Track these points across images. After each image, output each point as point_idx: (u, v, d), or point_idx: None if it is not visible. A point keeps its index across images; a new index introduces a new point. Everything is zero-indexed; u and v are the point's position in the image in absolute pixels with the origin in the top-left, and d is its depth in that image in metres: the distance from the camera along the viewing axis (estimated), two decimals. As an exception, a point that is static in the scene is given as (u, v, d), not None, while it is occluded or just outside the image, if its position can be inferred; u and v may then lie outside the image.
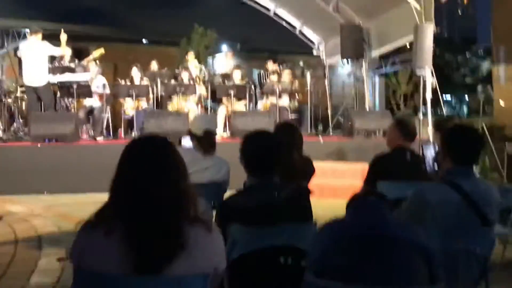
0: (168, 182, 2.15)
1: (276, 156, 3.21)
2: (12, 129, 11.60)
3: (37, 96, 10.78)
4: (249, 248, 2.95)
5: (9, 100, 11.96)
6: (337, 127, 13.01)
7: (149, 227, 2.05)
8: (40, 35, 10.90)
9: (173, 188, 2.16)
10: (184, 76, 12.45)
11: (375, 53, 13.20)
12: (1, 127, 11.38)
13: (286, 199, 3.11)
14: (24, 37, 17.41)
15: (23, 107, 12.02)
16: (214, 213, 4.53)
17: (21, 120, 11.75)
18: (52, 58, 11.26)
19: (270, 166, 3.18)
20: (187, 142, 4.94)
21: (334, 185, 9.14)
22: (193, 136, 4.74)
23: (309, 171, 4.88)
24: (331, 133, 12.37)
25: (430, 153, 4.06)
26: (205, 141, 4.68)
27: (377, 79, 15.63)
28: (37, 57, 10.64)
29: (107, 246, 2.05)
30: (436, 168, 3.53)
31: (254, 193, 3.13)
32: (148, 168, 2.14)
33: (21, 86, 12.07)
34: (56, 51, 10.95)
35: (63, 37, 11.15)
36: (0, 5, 16.65)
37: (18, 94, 11.94)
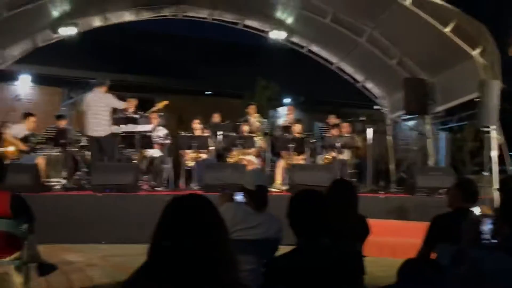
0: (206, 243, 2.09)
1: (324, 217, 3.12)
2: (75, 177, 11.85)
3: (99, 146, 11.01)
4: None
5: (74, 149, 12.25)
6: (399, 184, 12.73)
7: (186, 291, 1.99)
8: (105, 88, 11.18)
9: (211, 249, 2.09)
10: (245, 129, 12.50)
11: (440, 108, 12.96)
12: (65, 175, 11.64)
13: (336, 262, 3.00)
14: (92, 87, 17.97)
15: (87, 157, 12.28)
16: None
17: (84, 169, 12.01)
18: (116, 109, 11.52)
19: (318, 227, 3.09)
20: (240, 197, 4.86)
21: (393, 243, 8.91)
22: (245, 191, 4.67)
23: (364, 231, 4.74)
24: (392, 190, 12.09)
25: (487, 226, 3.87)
26: (257, 197, 4.61)
27: (442, 134, 15.34)
28: (101, 109, 10.93)
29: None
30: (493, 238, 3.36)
31: (302, 255, 3.04)
32: (184, 228, 2.09)
33: (86, 135, 12.38)
34: (119, 104, 11.20)
35: (133, 102, 11.55)
36: (69, 56, 17.20)
37: (83, 143, 12.22)
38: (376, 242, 7.96)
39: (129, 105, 11.81)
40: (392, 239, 9.07)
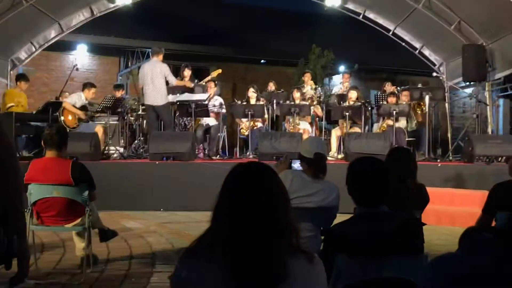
0: (270, 210, 2.09)
1: (384, 184, 3.08)
2: (133, 146, 12.05)
3: (156, 115, 11.12)
4: (355, 279, 2.84)
5: (131, 118, 12.42)
6: (457, 152, 12.49)
7: (250, 257, 2.00)
8: (161, 56, 11.24)
9: (274, 216, 2.10)
10: (296, 96, 12.42)
11: (499, 75, 12.63)
12: (123, 144, 11.84)
13: (395, 230, 2.97)
14: (148, 57, 18.15)
15: (144, 125, 12.44)
16: (321, 238, 4.47)
17: (141, 138, 12.18)
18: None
19: (378, 195, 3.06)
20: (297, 165, 4.85)
21: (451, 212, 8.79)
22: (303, 159, 4.65)
23: (423, 200, 4.68)
24: (450, 158, 11.87)
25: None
26: (315, 165, 4.58)
27: (501, 101, 14.94)
28: (157, 77, 10.98)
29: (207, 274, 2.02)
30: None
31: (361, 223, 3.01)
32: (249, 195, 2.09)
33: (143, 104, 12.54)
34: (172, 79, 11.24)
35: (187, 72, 11.60)
36: (125, 26, 17.40)
37: (140, 112, 12.38)
38: (434, 210, 7.88)
39: (182, 83, 11.82)
40: (450, 208, 8.94)
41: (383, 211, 3.06)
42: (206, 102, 11.57)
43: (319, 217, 4.49)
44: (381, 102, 12.56)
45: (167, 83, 11.18)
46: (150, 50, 17.73)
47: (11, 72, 13.32)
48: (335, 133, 12.04)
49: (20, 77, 12.03)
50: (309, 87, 13.62)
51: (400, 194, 4.25)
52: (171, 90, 11.54)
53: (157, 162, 9.93)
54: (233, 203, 2.10)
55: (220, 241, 2.06)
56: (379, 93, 13.64)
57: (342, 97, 12.90)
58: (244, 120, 12.16)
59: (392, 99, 12.11)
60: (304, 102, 12.30)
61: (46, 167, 5.28)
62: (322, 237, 4.37)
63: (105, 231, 5.95)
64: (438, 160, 11.35)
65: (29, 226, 5.35)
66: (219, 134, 11.99)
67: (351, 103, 12.10)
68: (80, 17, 13.65)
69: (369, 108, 12.67)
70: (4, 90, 12.44)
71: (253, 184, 2.14)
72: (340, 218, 4.43)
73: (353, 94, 12.25)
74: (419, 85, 12.98)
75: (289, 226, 2.14)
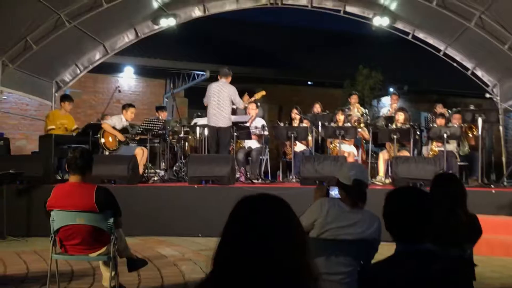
0: (281, 254, 1.74)
1: (427, 218, 2.67)
2: (174, 169, 11.83)
3: (217, 137, 10.88)
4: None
5: (173, 140, 12.23)
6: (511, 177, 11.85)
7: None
8: (229, 78, 11.14)
9: (288, 262, 1.74)
10: (340, 118, 12.03)
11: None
12: (164, 167, 11.63)
13: (440, 273, 2.55)
14: (194, 79, 18.05)
15: (186, 147, 12.23)
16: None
17: (183, 161, 11.96)
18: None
19: (420, 230, 2.65)
20: (335, 192, 4.47)
21: (506, 242, 8.23)
22: (341, 186, 4.27)
23: (476, 232, 4.23)
24: (505, 184, 11.24)
25: None
26: (354, 193, 4.20)
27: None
28: (224, 99, 10.79)
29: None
30: None
31: (401, 264, 2.61)
32: (255, 236, 1.75)
33: (184, 126, 12.34)
34: (239, 102, 11.08)
35: (252, 105, 11.58)
36: (170, 48, 17.36)
37: (182, 134, 12.18)
38: (487, 240, 7.35)
39: (249, 111, 11.60)
40: (505, 237, 8.37)
41: (427, 249, 2.65)
42: (248, 124, 11.28)
43: (359, 250, 4.12)
44: (431, 125, 12.06)
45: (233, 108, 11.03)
46: (196, 72, 17.87)
47: (56, 94, 13.32)
48: (383, 156, 11.57)
49: (64, 98, 12.00)
50: (355, 109, 13.22)
51: (449, 226, 3.84)
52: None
53: (195, 186, 9.64)
54: (235, 246, 1.76)
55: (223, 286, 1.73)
56: (429, 115, 13.13)
57: (390, 119, 12.43)
58: (287, 142, 11.82)
59: (441, 121, 11.60)
60: (349, 124, 11.90)
61: (69, 193, 5.02)
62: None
63: (133, 260, 5.65)
64: (492, 186, 10.74)
65: (52, 255, 5.12)
66: (261, 157, 11.64)
67: (399, 125, 11.62)
68: (125, 39, 13.62)
69: (418, 131, 12.18)
70: (48, 112, 12.41)
71: (262, 222, 1.79)
72: (383, 248, 4.06)
73: (400, 116, 11.78)
74: (471, 107, 12.42)
75: (305, 272, 1.78)
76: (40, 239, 7.99)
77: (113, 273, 5.22)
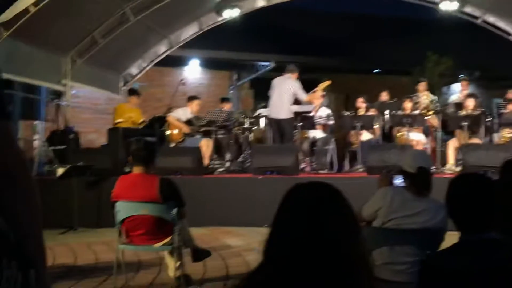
0: (335, 243, 1.68)
1: (492, 205, 2.55)
2: (239, 160, 11.86)
3: (279, 128, 10.92)
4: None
5: (238, 132, 12.25)
6: None
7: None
8: (295, 74, 11.15)
9: (341, 251, 1.68)
10: (407, 106, 11.78)
11: None
12: (229, 157, 11.68)
13: (506, 263, 2.43)
14: (258, 70, 18.05)
15: (251, 139, 12.24)
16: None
17: (248, 152, 11.96)
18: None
19: (485, 218, 2.53)
20: (399, 181, 4.37)
21: None
22: (405, 175, 4.16)
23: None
24: None
25: None
26: (419, 181, 4.08)
27: None
28: (285, 92, 10.84)
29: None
30: None
31: (463, 253, 2.50)
32: (307, 225, 1.69)
33: (250, 117, 12.33)
34: (303, 96, 11.02)
35: (319, 92, 11.45)
36: (235, 39, 17.37)
37: (247, 125, 12.19)
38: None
39: (314, 101, 11.53)
40: None
41: (491, 238, 2.53)
42: (312, 114, 11.19)
43: (424, 239, 4.00)
44: (502, 111, 11.65)
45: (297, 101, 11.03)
46: (261, 63, 17.86)
47: (124, 87, 13.56)
48: (453, 144, 11.23)
49: (132, 92, 12.21)
50: (424, 96, 12.89)
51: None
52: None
53: (259, 177, 9.63)
54: (287, 235, 1.71)
55: (273, 283, 1.68)
56: (501, 101, 12.69)
57: (460, 106, 12.07)
58: (353, 131, 11.67)
59: (512, 107, 11.20)
60: (416, 112, 11.63)
61: (133, 184, 5.09)
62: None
63: (197, 251, 5.68)
64: None
65: (118, 246, 5.20)
66: (326, 147, 11.51)
67: (469, 111, 11.27)
68: (189, 31, 13.75)
69: (490, 117, 11.80)
70: (116, 105, 12.64)
71: (315, 211, 1.73)
72: (451, 237, 3.93)
73: (470, 102, 11.40)
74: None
75: (360, 263, 1.71)
76: (110, 230, 8.10)
77: (178, 263, 5.27)
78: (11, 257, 1.50)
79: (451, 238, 3.86)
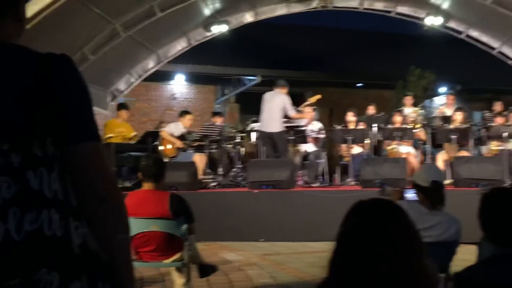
0: (401, 260, 1.73)
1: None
2: (231, 174, 11.88)
3: (271, 142, 10.97)
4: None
5: (229, 146, 12.28)
6: None
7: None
8: (284, 90, 11.24)
9: (407, 267, 1.73)
10: (397, 119, 11.93)
11: None
12: (221, 172, 11.70)
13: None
14: (245, 84, 18.11)
15: (242, 153, 12.28)
16: (440, 276, 4.02)
17: (240, 166, 11.99)
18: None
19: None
20: (411, 195, 4.44)
21: None
22: (419, 189, 4.23)
23: None
24: None
25: None
26: (433, 194, 4.16)
27: None
28: (275, 107, 10.90)
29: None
30: None
31: (498, 266, 2.56)
32: (374, 242, 1.74)
33: (240, 131, 12.38)
34: (291, 112, 11.07)
35: (308, 109, 11.61)
36: (220, 54, 17.44)
37: (238, 140, 12.23)
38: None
39: (301, 115, 11.59)
40: None
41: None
42: (304, 128, 11.28)
43: (438, 252, 4.04)
44: (488, 124, 11.84)
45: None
46: (246, 77, 17.92)
47: (112, 103, 13.52)
48: (441, 157, 11.38)
49: (121, 107, 12.21)
50: (410, 109, 13.07)
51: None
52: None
53: (255, 191, 9.67)
54: (354, 252, 1.75)
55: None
56: (487, 113, 12.90)
57: (447, 119, 12.24)
58: (343, 145, 11.78)
59: (500, 120, 11.39)
60: (406, 126, 11.78)
61: (143, 200, 5.08)
62: (441, 275, 3.99)
63: (205, 266, 5.67)
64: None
65: (127, 262, 5.18)
66: (318, 161, 11.59)
67: (457, 125, 11.44)
68: (177, 46, 13.77)
69: (476, 130, 11.99)
70: (105, 121, 12.59)
71: (380, 227, 1.78)
72: (460, 249, 4.02)
73: (459, 116, 11.59)
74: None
75: (425, 279, 1.77)
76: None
77: (186, 280, 5.26)
78: (105, 280, 1.52)
79: (463, 250, 3.98)
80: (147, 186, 5.16)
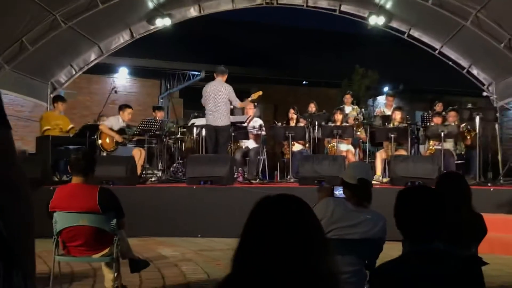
0: (303, 256, 1.72)
1: (439, 217, 2.67)
2: (171, 169, 11.79)
3: (216, 136, 10.70)
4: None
5: (170, 141, 12.19)
6: (509, 175, 11.85)
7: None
8: (225, 77, 10.94)
9: (310, 264, 1.72)
10: (337, 118, 12.05)
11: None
12: (161, 167, 11.60)
13: (454, 273, 2.54)
14: (189, 79, 18.01)
15: (183, 148, 12.20)
16: (367, 272, 4.07)
17: (180, 161, 11.92)
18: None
19: (432, 229, 2.65)
20: (339, 192, 4.46)
21: (505, 240, 8.23)
22: (346, 186, 4.26)
23: (481, 231, 4.23)
24: (501, 182, 11.24)
25: None
26: (360, 192, 4.18)
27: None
28: (220, 99, 10.61)
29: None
30: None
31: (413, 263, 2.60)
32: (277, 238, 1.73)
33: (181, 127, 12.30)
34: (236, 102, 10.84)
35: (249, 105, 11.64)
36: (165, 48, 17.31)
37: (179, 135, 12.15)
38: (487, 238, 7.34)
39: (245, 104, 11.51)
40: (504, 235, 8.37)
41: (438, 249, 2.64)
42: (245, 124, 11.26)
43: (364, 249, 4.10)
44: (428, 123, 12.07)
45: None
46: (191, 72, 17.83)
47: (51, 95, 13.26)
48: (380, 155, 11.56)
49: (57, 98, 11.97)
50: (350, 108, 13.22)
51: (455, 226, 3.83)
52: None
53: (194, 187, 9.62)
54: (257, 248, 1.74)
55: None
56: (425, 113, 13.14)
57: (386, 118, 12.43)
58: (284, 142, 11.83)
59: (438, 120, 11.62)
60: (346, 124, 11.91)
61: (72, 194, 4.99)
62: (367, 271, 4.03)
63: (136, 261, 5.61)
64: (489, 184, 10.74)
65: (55, 257, 5.09)
66: (259, 157, 11.62)
67: (396, 124, 11.63)
68: (120, 39, 13.58)
69: (415, 130, 12.20)
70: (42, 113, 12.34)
71: (282, 224, 1.77)
72: (388, 247, 4.05)
73: (397, 115, 11.79)
74: (469, 105, 12.43)
75: (328, 276, 1.76)
76: (40, 241, 7.92)
77: (115, 274, 5.20)
78: (18, 268, 1.49)
79: (389, 247, 4.02)
80: (76, 180, 5.06)
